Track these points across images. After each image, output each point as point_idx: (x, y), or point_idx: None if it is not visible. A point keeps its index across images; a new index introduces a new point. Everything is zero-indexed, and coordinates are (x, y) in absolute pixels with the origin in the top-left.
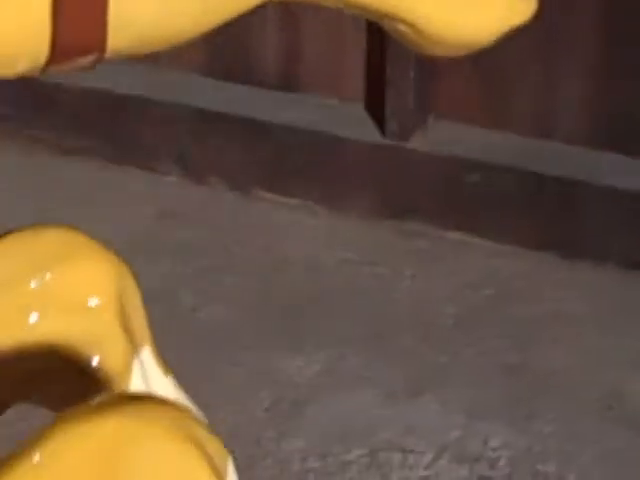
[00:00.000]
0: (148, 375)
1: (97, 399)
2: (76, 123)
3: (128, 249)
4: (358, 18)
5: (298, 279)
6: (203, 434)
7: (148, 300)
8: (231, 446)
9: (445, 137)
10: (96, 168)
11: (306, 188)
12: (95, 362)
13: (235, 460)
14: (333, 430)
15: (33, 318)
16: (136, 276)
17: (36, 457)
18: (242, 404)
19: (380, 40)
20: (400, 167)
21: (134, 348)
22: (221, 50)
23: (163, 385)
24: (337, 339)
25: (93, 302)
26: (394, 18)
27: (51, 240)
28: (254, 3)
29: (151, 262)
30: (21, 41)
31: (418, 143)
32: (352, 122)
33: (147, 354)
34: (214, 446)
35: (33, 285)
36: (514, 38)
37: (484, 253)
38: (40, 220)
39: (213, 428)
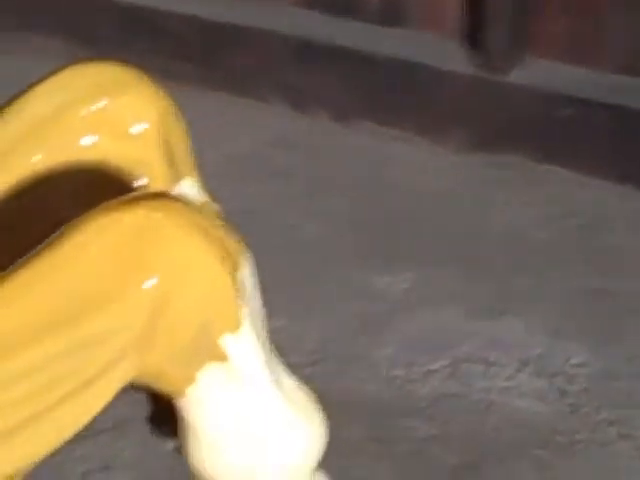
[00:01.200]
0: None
1: (126, 196)
2: (183, 50)
3: (228, 172)
4: None
5: (393, 203)
6: (221, 232)
7: (246, 219)
8: (324, 351)
9: (540, 72)
10: (199, 94)
11: (405, 119)
12: (138, 184)
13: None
14: (419, 341)
15: (85, 140)
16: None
17: (73, 240)
18: (336, 314)
19: None
20: (495, 101)
21: (176, 176)
22: None
23: None
24: (428, 259)
25: (138, 129)
26: None
27: (104, 72)
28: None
29: (250, 184)
30: None
31: (514, 78)
32: (452, 56)
33: (189, 184)
34: (231, 243)
35: (86, 111)
36: None
37: (574, 185)
38: None
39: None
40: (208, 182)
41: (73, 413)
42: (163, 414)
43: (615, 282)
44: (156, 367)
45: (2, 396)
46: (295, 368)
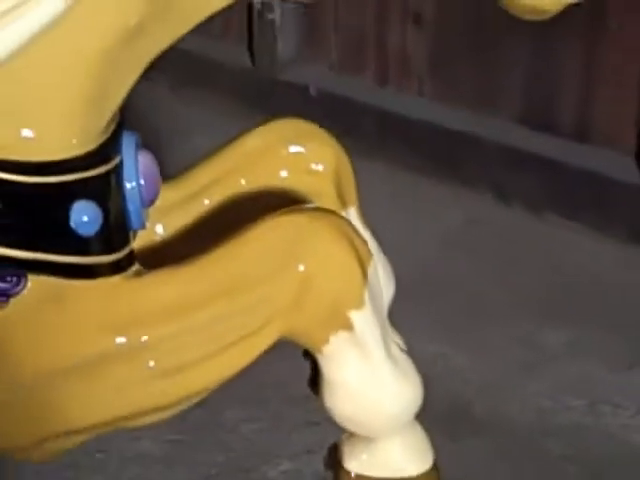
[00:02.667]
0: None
1: (292, 207)
2: (420, 152)
3: (437, 246)
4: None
5: (564, 278)
6: (358, 240)
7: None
8: (487, 384)
9: None
10: (418, 180)
11: (584, 215)
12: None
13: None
14: (566, 384)
15: (282, 173)
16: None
17: (251, 233)
18: (502, 357)
19: None
20: None
21: (343, 205)
22: (534, 102)
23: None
24: (583, 322)
25: (318, 168)
26: None
27: (299, 126)
28: None
29: (449, 255)
30: None
31: None
32: (624, 169)
33: (352, 212)
34: (365, 249)
35: (285, 152)
36: None
37: None
38: None
39: None
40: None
41: (227, 362)
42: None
43: None
44: (302, 329)
45: (187, 338)
46: (459, 392)
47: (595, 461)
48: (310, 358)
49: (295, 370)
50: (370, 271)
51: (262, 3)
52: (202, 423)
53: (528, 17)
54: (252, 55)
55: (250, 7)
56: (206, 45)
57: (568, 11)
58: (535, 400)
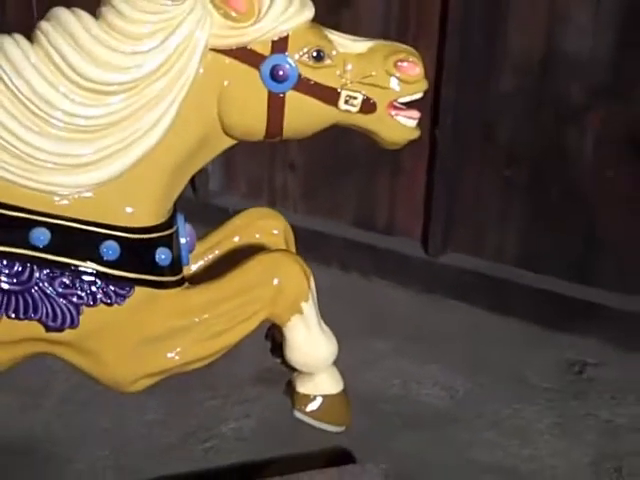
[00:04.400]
0: None
1: (270, 251)
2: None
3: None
4: None
5: (382, 311)
6: (305, 267)
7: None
8: (352, 370)
9: (455, 258)
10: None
11: (391, 277)
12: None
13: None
14: (392, 371)
15: (257, 235)
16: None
17: (248, 264)
18: (354, 355)
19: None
20: (433, 270)
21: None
22: (362, 212)
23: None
24: (401, 337)
25: (275, 231)
26: (372, 134)
27: (264, 211)
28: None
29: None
30: (257, 131)
31: (442, 260)
32: (413, 248)
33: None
34: (308, 270)
35: (258, 225)
36: None
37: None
38: None
39: None
40: None
41: (237, 331)
42: (275, 349)
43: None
44: (276, 314)
45: (216, 319)
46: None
47: (411, 415)
48: (271, 338)
49: (237, 370)
50: (311, 281)
51: None
52: (182, 401)
53: (387, 147)
54: (194, 189)
55: None
56: None
57: (380, 156)
58: (373, 381)
